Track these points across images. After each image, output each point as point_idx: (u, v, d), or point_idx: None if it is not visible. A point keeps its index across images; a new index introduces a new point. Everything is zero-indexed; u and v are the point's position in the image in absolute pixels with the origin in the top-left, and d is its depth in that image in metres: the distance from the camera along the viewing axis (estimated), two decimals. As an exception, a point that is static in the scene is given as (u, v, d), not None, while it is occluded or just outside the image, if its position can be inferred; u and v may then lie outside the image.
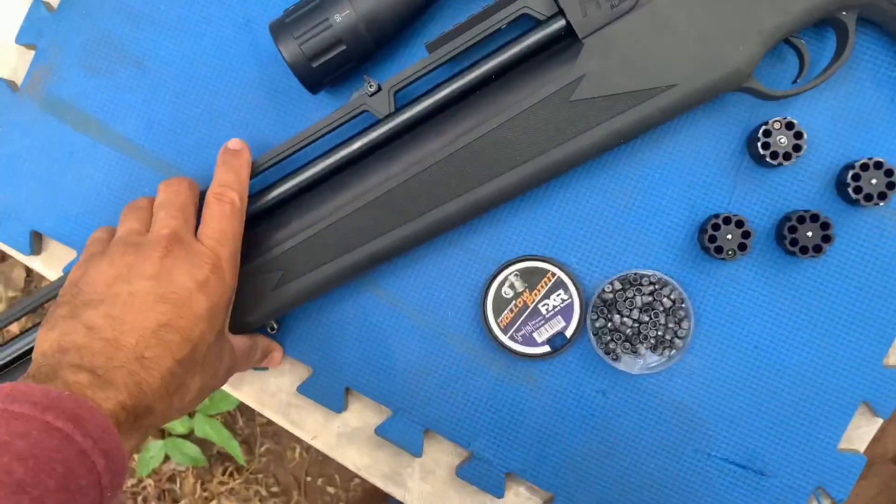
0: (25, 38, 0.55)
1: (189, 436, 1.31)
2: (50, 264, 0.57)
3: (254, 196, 0.47)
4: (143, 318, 0.38)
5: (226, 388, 0.51)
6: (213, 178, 0.45)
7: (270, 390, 0.55)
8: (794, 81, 0.48)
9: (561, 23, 0.44)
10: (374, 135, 0.46)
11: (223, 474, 1.36)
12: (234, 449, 1.28)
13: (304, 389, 0.53)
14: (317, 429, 0.55)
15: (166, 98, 0.54)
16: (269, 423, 1.34)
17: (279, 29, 0.45)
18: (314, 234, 0.46)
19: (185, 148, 0.54)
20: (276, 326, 0.51)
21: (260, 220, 0.48)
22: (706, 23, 0.42)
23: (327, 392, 0.53)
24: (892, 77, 0.48)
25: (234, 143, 0.47)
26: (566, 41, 0.45)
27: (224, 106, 0.53)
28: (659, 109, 0.43)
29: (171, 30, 0.54)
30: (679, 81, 0.43)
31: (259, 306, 0.47)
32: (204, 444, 1.32)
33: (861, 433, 0.50)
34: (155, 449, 1.28)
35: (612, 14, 0.43)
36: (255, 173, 0.48)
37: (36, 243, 0.56)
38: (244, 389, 0.55)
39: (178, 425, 1.29)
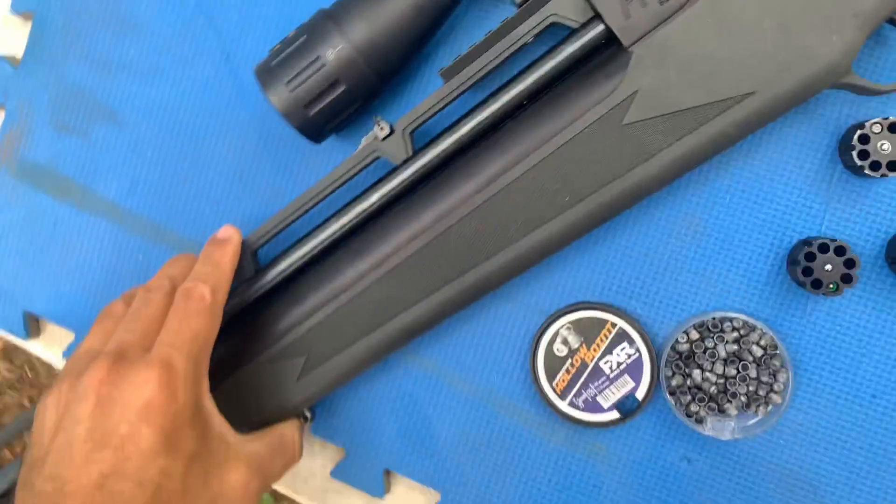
0: (-8, 100, 0.49)
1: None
2: (50, 347, 0.51)
3: (262, 271, 0.41)
4: (83, 473, 0.31)
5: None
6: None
7: (303, 475, 0.48)
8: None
9: (599, 29, 0.36)
10: (391, 185, 0.39)
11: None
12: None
13: (338, 473, 0.47)
14: (358, 514, 0.48)
15: (148, 153, 0.47)
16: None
17: (265, 75, 0.38)
18: (336, 309, 0.39)
19: (175, 207, 0.47)
20: (309, 416, 0.44)
21: (272, 299, 0.41)
22: (785, 10, 0.34)
23: (364, 475, 0.46)
24: None
25: (222, 231, 0.41)
26: (609, 52, 0.36)
27: (212, 157, 0.46)
28: (734, 125, 0.35)
29: (144, 76, 0.47)
30: (756, 88, 0.35)
31: (283, 400, 0.40)
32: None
33: None
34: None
35: (663, 12, 0.35)
36: (253, 250, 0.41)
37: (32, 326, 0.51)
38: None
39: None
